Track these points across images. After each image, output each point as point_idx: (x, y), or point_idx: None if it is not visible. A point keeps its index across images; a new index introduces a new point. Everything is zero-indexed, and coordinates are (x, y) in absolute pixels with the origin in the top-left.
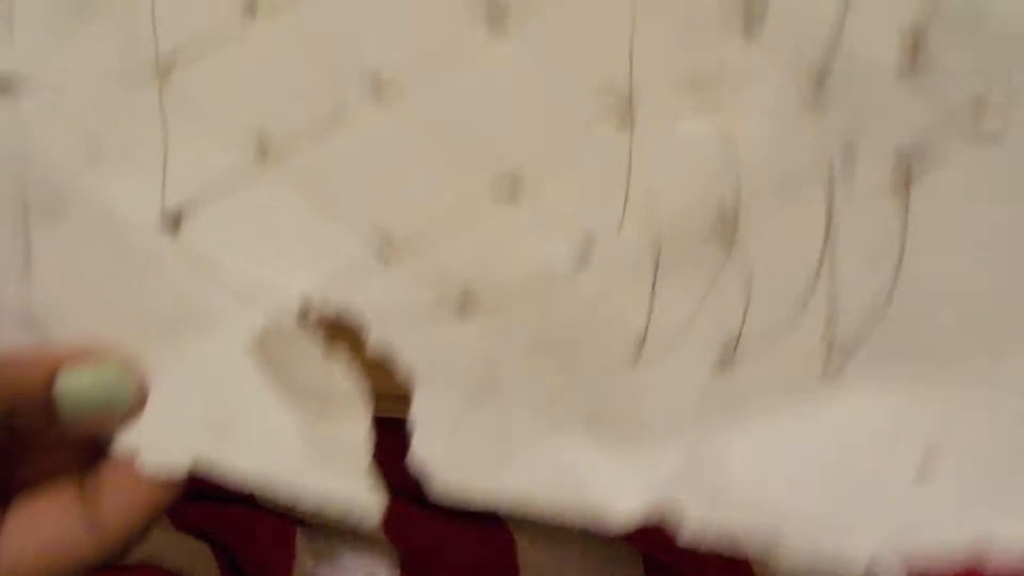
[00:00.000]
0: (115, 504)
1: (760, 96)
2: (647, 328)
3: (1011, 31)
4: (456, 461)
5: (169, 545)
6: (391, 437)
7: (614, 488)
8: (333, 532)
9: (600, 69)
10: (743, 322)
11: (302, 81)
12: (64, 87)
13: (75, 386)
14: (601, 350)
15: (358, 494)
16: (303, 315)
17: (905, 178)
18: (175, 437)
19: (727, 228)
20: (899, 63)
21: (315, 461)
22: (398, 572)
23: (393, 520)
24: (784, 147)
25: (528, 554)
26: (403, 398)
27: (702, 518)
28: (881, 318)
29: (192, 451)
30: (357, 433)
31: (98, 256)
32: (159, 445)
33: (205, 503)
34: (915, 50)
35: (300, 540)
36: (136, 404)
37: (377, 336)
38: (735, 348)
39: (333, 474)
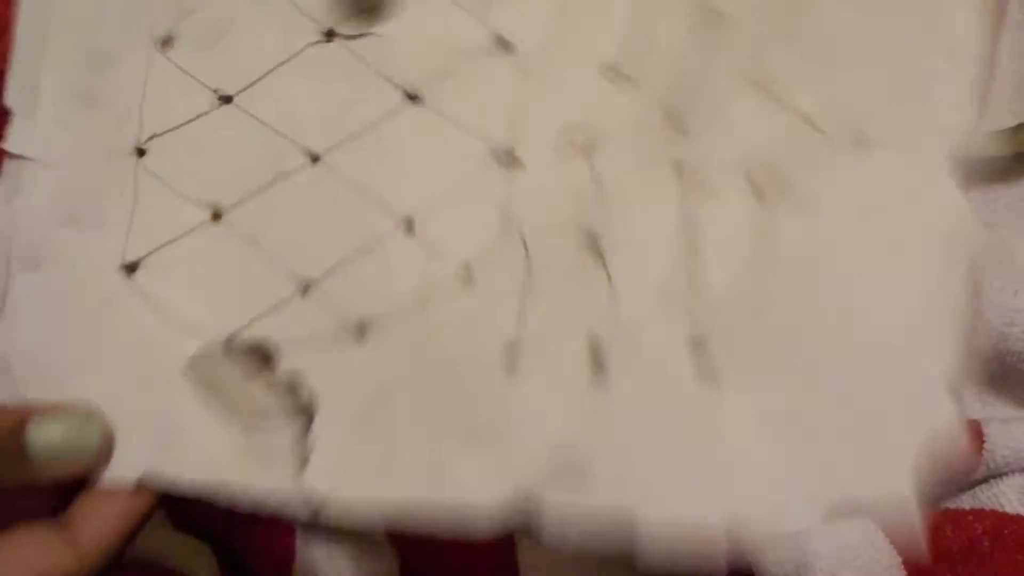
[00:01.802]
0: (90, 524)
1: (622, 135)
2: (519, 339)
3: None
4: (348, 480)
5: (169, 545)
6: None
7: (481, 486)
8: (333, 532)
9: (487, 126)
10: (612, 327)
11: (251, 157)
12: (56, 163)
13: (44, 434)
14: (479, 364)
15: (290, 493)
16: (229, 345)
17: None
18: (125, 454)
19: (592, 242)
20: None
21: (250, 468)
22: (398, 572)
23: None
24: (642, 165)
25: (528, 554)
26: None
27: (560, 514)
28: (743, 313)
29: (140, 466)
30: (283, 440)
31: (64, 297)
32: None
33: (205, 503)
34: None
35: (300, 540)
36: (101, 452)
37: (288, 363)
38: (605, 355)
39: (268, 477)
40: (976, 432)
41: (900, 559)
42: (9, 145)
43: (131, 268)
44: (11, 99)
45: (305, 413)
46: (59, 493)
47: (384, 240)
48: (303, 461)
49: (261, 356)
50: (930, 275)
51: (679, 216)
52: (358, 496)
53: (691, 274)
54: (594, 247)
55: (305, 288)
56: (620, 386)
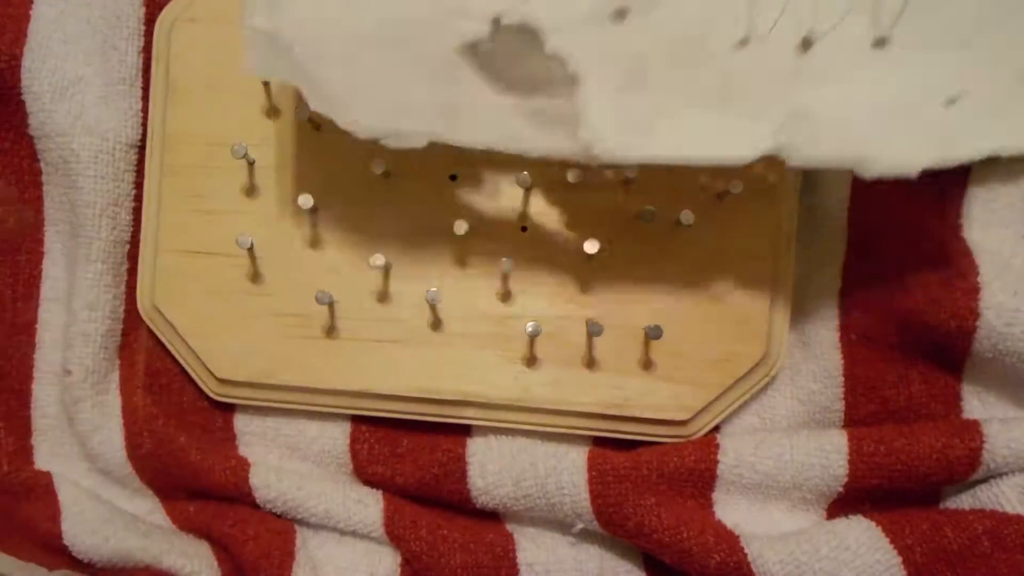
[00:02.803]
0: None
1: None
2: (748, 28)
3: None
4: (614, 131)
5: (169, 545)
6: (405, 436)
7: (736, 138)
8: (333, 532)
9: None
10: (813, 19)
11: None
12: None
13: None
14: (720, 40)
15: (571, 146)
16: (497, 26)
17: None
18: (410, 121)
19: None
20: None
21: (535, 126)
22: (398, 572)
23: (393, 520)
24: None
25: (528, 554)
26: (419, 400)
27: (805, 153)
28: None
29: (427, 135)
30: (559, 105)
31: None
32: (396, 127)
33: (205, 503)
34: None
35: (300, 540)
36: None
37: (551, 42)
38: (811, 37)
39: (552, 135)
40: (976, 432)
41: (900, 559)
42: None
43: None
44: None
45: (573, 83)
46: None
47: None
48: (578, 121)
49: (529, 34)
50: None
51: None
52: (627, 151)
53: None
54: None
55: None
56: (820, 59)
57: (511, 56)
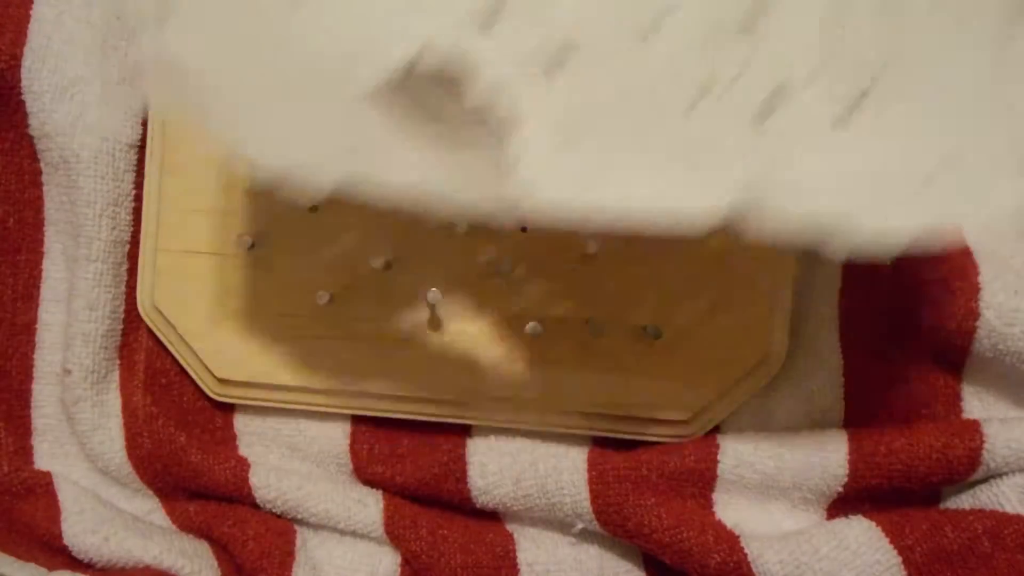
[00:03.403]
0: None
1: None
2: (704, 86)
3: None
4: (555, 181)
5: (169, 545)
6: (405, 437)
7: (692, 194)
8: (333, 532)
9: None
10: (778, 78)
11: None
12: None
13: None
14: (672, 99)
15: (496, 201)
16: (412, 68)
17: None
18: (320, 163)
19: (755, 16)
20: None
21: (454, 181)
22: (398, 572)
23: (393, 520)
24: None
25: (528, 554)
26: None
27: (766, 217)
28: (877, 78)
29: (337, 174)
30: (486, 154)
31: (235, 11)
32: (306, 169)
33: (205, 503)
34: None
35: (300, 540)
36: None
37: (481, 85)
38: (770, 104)
39: (472, 188)
40: (976, 432)
41: (900, 559)
42: None
43: None
44: None
45: (505, 128)
46: None
47: None
48: (507, 172)
49: (452, 76)
50: None
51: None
52: (561, 206)
53: (837, 50)
54: (754, 24)
55: (492, 12)
56: (779, 128)
57: (430, 103)
